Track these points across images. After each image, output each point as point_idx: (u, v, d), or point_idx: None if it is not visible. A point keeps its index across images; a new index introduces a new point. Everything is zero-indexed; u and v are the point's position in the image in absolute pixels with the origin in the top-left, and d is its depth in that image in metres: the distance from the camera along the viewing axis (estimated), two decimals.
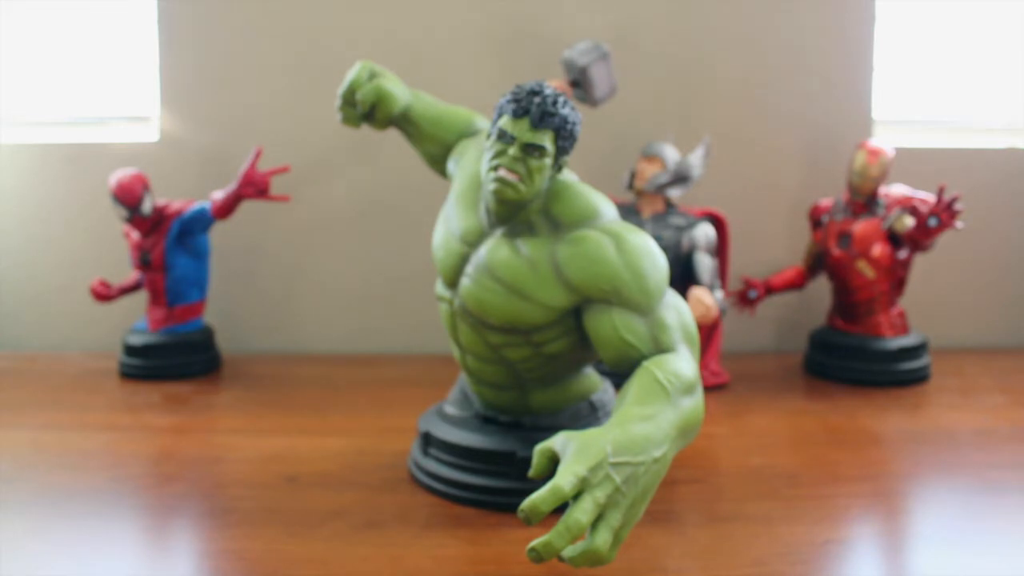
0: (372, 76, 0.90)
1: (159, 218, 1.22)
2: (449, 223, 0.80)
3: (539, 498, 0.52)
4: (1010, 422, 1.00)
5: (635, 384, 0.63)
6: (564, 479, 0.53)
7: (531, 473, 0.58)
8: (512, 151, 0.71)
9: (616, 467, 0.55)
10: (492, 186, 0.72)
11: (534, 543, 0.51)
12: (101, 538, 0.70)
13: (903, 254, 1.20)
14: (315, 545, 0.68)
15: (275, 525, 0.72)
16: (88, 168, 1.37)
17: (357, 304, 1.40)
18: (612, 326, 0.68)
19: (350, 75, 0.89)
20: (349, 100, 0.90)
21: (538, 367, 0.77)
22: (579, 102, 1.18)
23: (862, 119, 1.38)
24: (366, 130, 1.31)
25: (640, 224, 1.14)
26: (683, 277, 1.13)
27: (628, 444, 0.56)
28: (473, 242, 0.77)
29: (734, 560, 0.66)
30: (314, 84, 1.33)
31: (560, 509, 0.54)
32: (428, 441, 0.81)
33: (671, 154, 1.17)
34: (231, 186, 1.21)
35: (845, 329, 1.23)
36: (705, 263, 1.12)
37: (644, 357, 0.67)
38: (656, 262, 0.71)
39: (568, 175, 0.77)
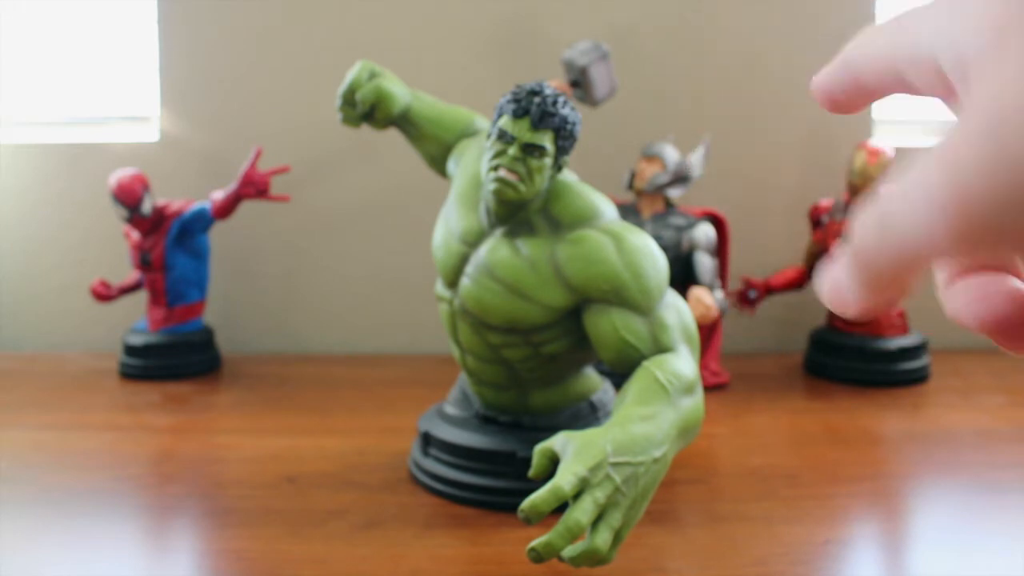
0: (372, 76, 0.90)
1: (159, 218, 1.22)
2: (449, 223, 0.80)
3: (539, 498, 0.52)
4: (1010, 422, 1.00)
5: (635, 384, 0.63)
6: (564, 479, 0.53)
7: (531, 473, 0.58)
8: (512, 151, 0.71)
9: (616, 467, 0.55)
10: (492, 186, 0.72)
11: (534, 543, 0.51)
12: (101, 538, 0.70)
13: None
14: (315, 545, 0.68)
15: (275, 525, 0.72)
16: (88, 168, 1.37)
17: (357, 304, 1.40)
18: (612, 326, 0.69)
19: (350, 75, 0.89)
20: (349, 100, 0.90)
21: (538, 367, 0.77)
22: (579, 102, 1.18)
23: (862, 119, 1.38)
24: (366, 130, 1.30)
25: (640, 224, 1.14)
26: (683, 277, 1.13)
27: (628, 444, 0.56)
28: (473, 242, 0.77)
29: (734, 560, 0.66)
30: (314, 84, 1.33)
31: (560, 509, 0.54)
32: (428, 441, 0.81)
33: (671, 154, 1.17)
34: (231, 186, 1.21)
35: (845, 329, 1.23)
36: (705, 263, 1.12)
37: (644, 357, 0.67)
38: (656, 262, 0.71)
39: (568, 175, 0.77)
